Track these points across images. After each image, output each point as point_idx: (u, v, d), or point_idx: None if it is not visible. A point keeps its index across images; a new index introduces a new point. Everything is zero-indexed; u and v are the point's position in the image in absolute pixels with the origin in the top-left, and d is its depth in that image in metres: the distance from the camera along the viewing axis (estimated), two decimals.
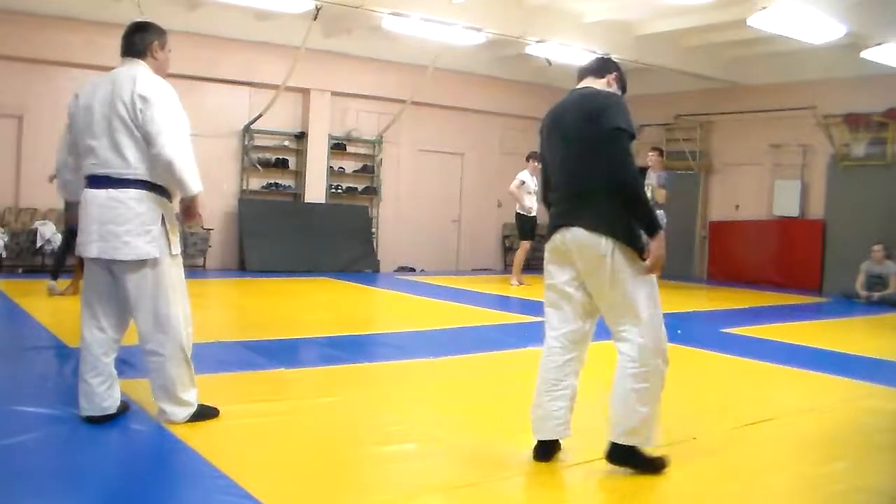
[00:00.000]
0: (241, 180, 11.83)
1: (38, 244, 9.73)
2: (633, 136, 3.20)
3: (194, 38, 10.57)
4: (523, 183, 10.77)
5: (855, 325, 8.99)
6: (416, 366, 5.36)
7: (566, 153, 3.32)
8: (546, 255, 3.44)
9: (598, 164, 3.18)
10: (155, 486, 3.00)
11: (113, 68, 3.62)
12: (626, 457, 3.22)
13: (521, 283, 10.83)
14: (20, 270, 9.94)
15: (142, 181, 3.50)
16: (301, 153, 12.30)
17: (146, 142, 3.46)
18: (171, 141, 3.45)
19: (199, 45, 10.65)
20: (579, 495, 3.08)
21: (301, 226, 11.97)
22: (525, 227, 10.96)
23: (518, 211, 10.95)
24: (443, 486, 3.10)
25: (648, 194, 10.74)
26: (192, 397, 3.67)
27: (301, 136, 12.26)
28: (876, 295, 10.46)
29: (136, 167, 3.48)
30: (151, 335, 3.57)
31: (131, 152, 3.47)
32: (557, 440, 3.37)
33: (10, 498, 2.78)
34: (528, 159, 10.87)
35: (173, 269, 3.62)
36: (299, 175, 12.30)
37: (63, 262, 7.78)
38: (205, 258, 11.24)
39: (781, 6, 8.49)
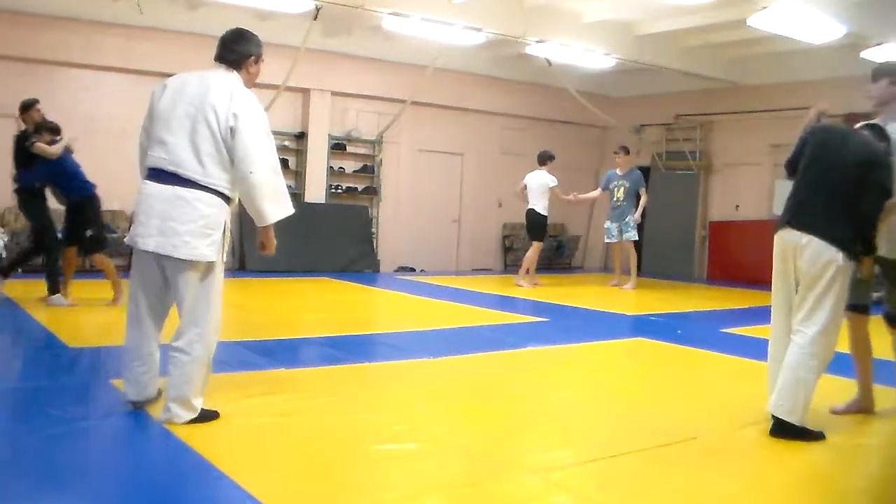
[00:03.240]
0: None
1: None
2: None
3: (194, 38, 10.55)
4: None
5: None
6: (416, 366, 5.36)
7: (838, 178, 4.06)
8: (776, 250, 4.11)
9: (862, 199, 4.00)
10: (155, 487, 3.00)
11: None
12: (785, 430, 3.84)
13: (534, 284, 10.74)
14: (20, 270, 9.92)
15: (212, 188, 3.53)
16: (301, 153, 12.30)
17: (232, 160, 3.51)
18: (259, 167, 3.51)
19: (199, 45, 10.59)
20: (580, 495, 3.08)
21: (301, 226, 11.93)
22: (544, 228, 10.81)
23: (539, 211, 10.65)
24: (443, 486, 3.10)
25: (620, 195, 10.74)
26: (199, 404, 3.70)
27: (301, 136, 12.26)
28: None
29: (212, 176, 3.52)
30: (185, 333, 3.62)
31: (211, 162, 3.51)
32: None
33: (12, 497, 2.78)
34: (548, 160, 10.70)
35: (219, 276, 3.68)
36: (299, 175, 12.30)
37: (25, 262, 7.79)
38: None
39: (781, 6, 8.50)
